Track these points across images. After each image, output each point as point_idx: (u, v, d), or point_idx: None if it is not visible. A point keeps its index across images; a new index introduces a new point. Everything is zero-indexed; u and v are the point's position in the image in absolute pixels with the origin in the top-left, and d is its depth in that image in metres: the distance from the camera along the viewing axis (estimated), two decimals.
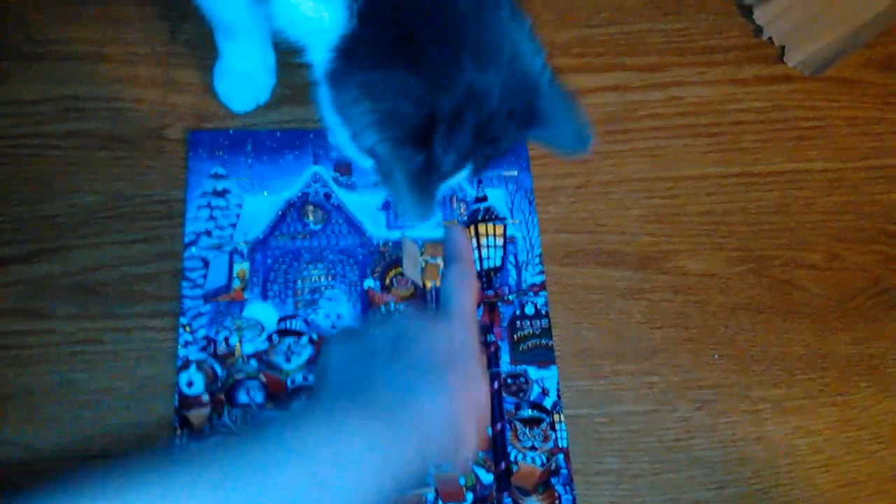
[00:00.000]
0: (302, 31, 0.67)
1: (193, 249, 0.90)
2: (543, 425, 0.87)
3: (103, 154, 0.94)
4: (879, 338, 0.94)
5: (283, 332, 0.88)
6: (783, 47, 1.05)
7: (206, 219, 0.91)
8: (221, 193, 0.92)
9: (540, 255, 0.93)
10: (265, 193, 0.93)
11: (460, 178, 0.70)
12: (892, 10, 1.06)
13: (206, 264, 0.89)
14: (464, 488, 0.84)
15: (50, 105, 0.96)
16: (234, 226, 0.91)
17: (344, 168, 0.94)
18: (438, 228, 0.93)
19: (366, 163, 0.69)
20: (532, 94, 0.68)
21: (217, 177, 0.93)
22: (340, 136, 0.69)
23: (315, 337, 0.88)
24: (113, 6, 1.01)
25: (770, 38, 1.06)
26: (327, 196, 0.94)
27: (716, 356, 0.92)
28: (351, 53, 0.64)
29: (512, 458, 0.85)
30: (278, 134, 0.95)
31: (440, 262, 0.92)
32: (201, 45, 0.96)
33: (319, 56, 0.66)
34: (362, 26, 0.63)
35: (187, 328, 0.87)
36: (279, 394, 0.86)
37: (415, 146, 0.63)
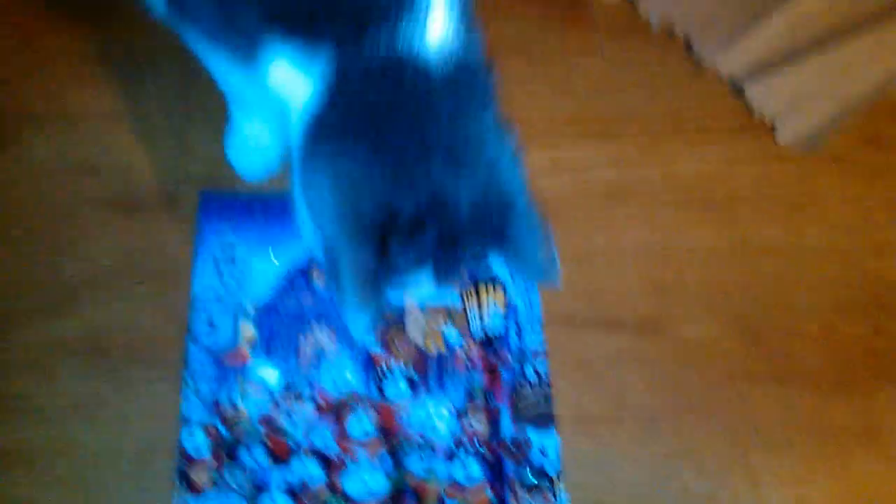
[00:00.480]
0: (277, 98, 0.65)
1: (201, 310, 0.91)
2: (544, 490, 0.87)
3: (114, 215, 0.96)
4: (876, 408, 0.95)
5: (287, 394, 0.89)
6: (774, 125, 1.09)
7: (214, 280, 0.93)
8: (230, 256, 0.94)
9: (540, 321, 0.95)
10: (272, 256, 0.95)
11: (423, 286, 0.64)
12: (880, 87, 1.11)
13: (213, 325, 0.91)
14: None
15: (63, 165, 0.98)
16: (241, 287, 0.93)
17: None
18: (442, 291, 0.94)
19: (318, 252, 0.66)
20: (504, 213, 0.62)
21: (226, 239, 0.95)
22: (303, 220, 0.66)
23: (319, 399, 0.89)
24: (128, 71, 1.04)
25: (762, 116, 1.09)
26: None
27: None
28: (320, 125, 0.61)
29: None
30: (287, 199, 0.97)
31: (443, 326, 0.93)
32: (215, 111, 0.99)
33: (293, 124, 0.64)
34: (333, 100, 0.60)
35: (192, 388, 0.88)
36: (282, 455, 0.86)
37: (369, 245, 0.59)
